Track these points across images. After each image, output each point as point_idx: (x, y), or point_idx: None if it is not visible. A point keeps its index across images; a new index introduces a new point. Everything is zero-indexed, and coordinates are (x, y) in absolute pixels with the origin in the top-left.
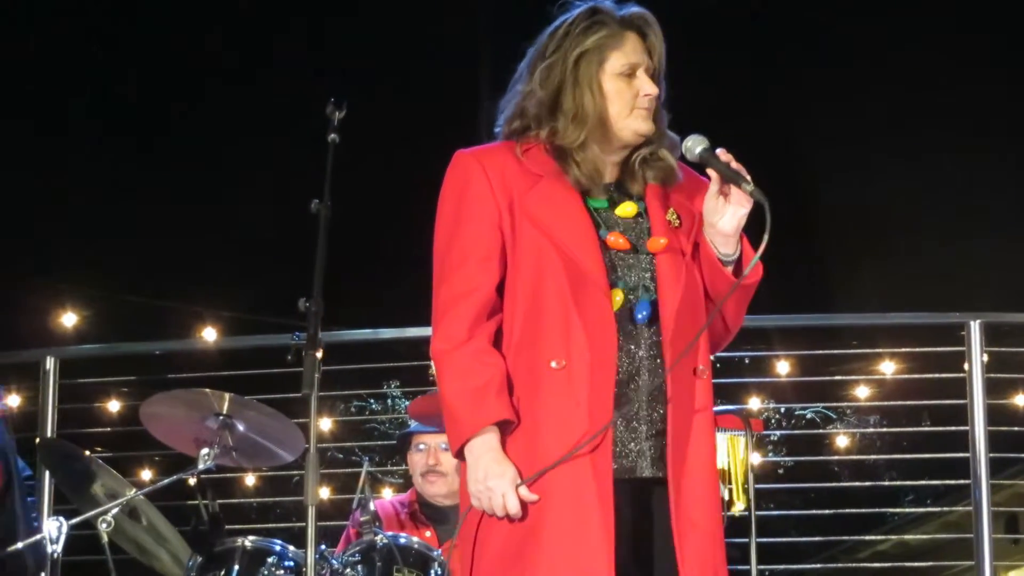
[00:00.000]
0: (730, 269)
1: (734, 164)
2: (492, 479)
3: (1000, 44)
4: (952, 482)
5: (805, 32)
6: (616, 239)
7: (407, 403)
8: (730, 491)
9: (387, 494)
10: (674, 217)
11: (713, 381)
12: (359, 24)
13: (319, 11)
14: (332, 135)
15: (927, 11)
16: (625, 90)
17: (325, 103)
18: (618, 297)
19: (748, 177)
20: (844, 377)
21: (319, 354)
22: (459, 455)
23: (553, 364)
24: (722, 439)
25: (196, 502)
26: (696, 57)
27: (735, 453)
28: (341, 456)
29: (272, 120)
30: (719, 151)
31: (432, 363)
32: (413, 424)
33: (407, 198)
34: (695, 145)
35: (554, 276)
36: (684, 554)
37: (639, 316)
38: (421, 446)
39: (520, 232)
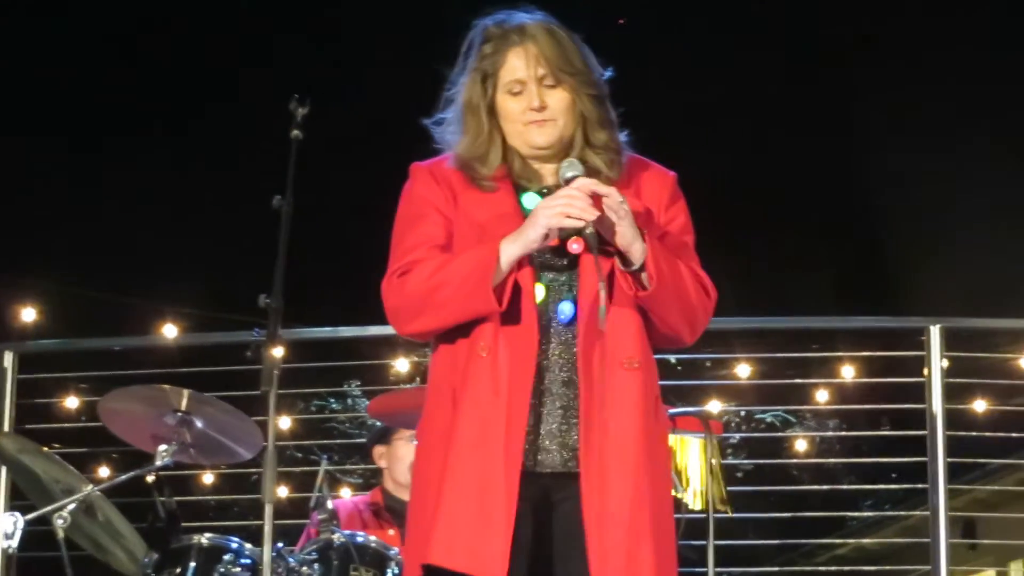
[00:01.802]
0: (643, 276)
1: (576, 208)
2: (540, 214)
3: (991, 34)
4: (910, 486)
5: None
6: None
7: (367, 402)
8: (688, 493)
9: (346, 493)
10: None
11: (674, 383)
12: (324, 22)
13: (284, 6)
14: (295, 131)
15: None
16: (513, 107)
17: (289, 99)
18: (540, 292)
19: (584, 224)
20: (804, 380)
21: (278, 351)
22: (497, 294)
23: (483, 353)
24: (681, 441)
25: (153, 499)
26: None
27: (693, 455)
28: (300, 455)
29: (235, 115)
30: (577, 183)
31: (390, 321)
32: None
33: (370, 196)
34: (563, 172)
35: None
36: (595, 547)
37: (561, 316)
38: (409, 439)
39: (458, 229)
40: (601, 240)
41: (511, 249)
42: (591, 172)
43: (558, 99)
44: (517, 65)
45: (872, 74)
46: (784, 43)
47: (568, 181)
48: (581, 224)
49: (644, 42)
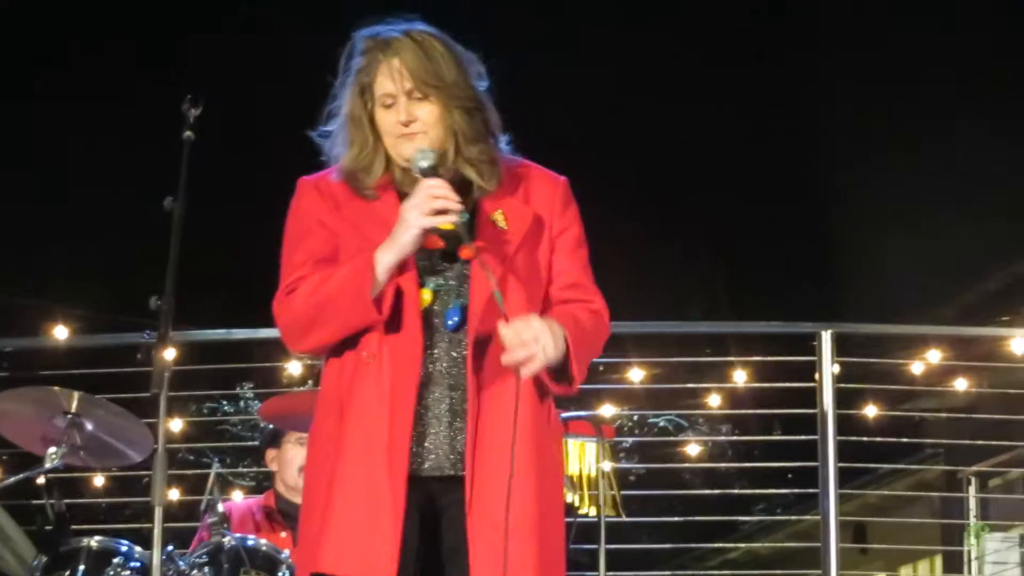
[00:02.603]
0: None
1: (440, 201)
2: (408, 215)
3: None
4: (801, 491)
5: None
6: (434, 241)
7: (260, 404)
8: (579, 497)
9: (237, 496)
10: (500, 218)
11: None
12: (222, 23)
13: (182, 6)
14: (187, 132)
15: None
16: (386, 120)
17: (183, 100)
18: (426, 296)
19: (455, 218)
20: (697, 385)
21: (170, 353)
22: (377, 303)
23: (368, 360)
24: (573, 445)
25: (43, 501)
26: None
27: (585, 459)
28: (192, 457)
29: (128, 116)
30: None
31: (280, 329)
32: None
33: (264, 197)
34: (416, 163)
35: None
36: (476, 553)
37: (449, 322)
38: (297, 441)
39: (343, 241)
40: (471, 228)
41: (386, 257)
42: (464, 184)
43: (427, 112)
44: (385, 80)
45: (773, 74)
46: (693, 42)
47: (424, 171)
48: (454, 218)
49: (540, 44)
